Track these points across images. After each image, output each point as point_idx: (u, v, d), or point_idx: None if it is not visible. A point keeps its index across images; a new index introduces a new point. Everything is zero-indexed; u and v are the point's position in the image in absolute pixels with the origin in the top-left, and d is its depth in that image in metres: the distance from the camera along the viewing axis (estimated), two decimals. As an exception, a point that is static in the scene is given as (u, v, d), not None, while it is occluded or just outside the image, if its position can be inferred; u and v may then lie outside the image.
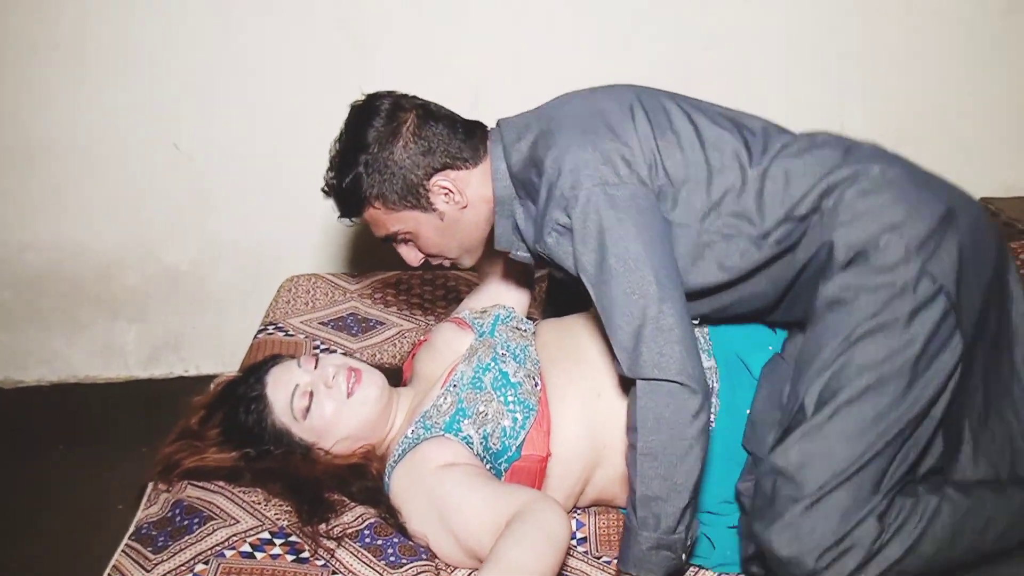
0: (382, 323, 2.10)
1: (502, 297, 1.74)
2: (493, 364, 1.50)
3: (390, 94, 1.50)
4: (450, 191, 1.46)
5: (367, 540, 1.38)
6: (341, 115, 2.42)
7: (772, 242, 1.37)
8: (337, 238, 2.60)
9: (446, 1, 2.39)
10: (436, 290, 2.25)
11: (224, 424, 1.49)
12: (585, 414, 1.45)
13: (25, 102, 2.40)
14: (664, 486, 1.28)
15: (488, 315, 1.64)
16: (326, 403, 1.46)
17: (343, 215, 1.51)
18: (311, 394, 1.46)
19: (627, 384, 1.36)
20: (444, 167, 1.45)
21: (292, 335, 2.01)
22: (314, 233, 2.58)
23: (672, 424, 1.27)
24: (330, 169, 1.49)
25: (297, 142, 2.47)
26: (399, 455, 1.44)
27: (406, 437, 1.45)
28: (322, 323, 2.09)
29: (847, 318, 1.30)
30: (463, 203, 1.47)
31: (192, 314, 2.67)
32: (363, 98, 1.51)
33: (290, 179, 2.51)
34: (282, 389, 1.47)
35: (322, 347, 1.96)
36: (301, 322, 2.07)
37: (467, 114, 2.46)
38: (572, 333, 1.57)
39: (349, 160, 1.45)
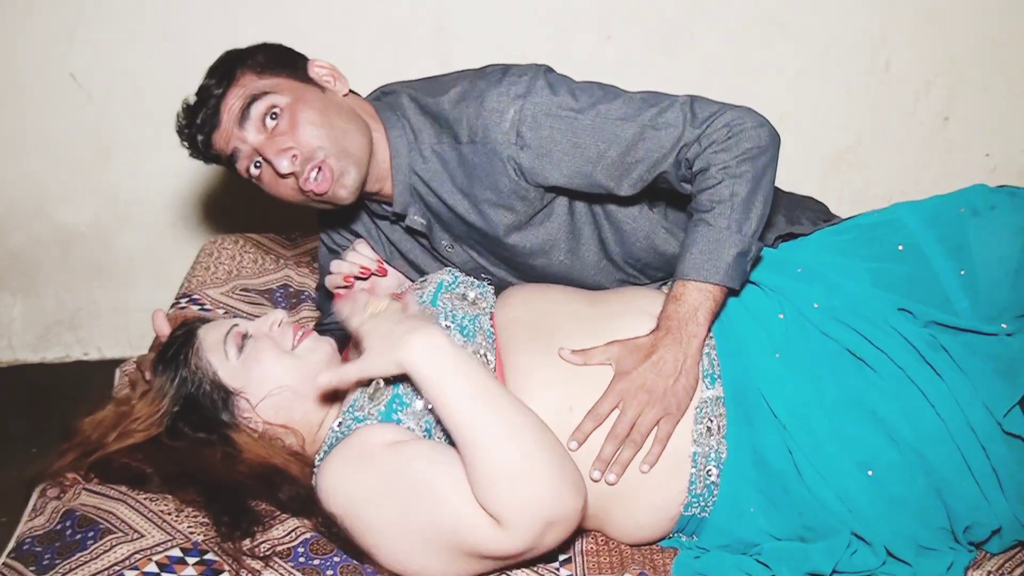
0: (315, 298, 2.10)
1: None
2: None
3: None
4: (329, 70, 1.64)
5: (301, 560, 1.39)
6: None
7: None
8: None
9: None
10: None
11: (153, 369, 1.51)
12: (553, 427, 1.41)
13: None
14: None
15: (430, 283, 1.66)
16: (265, 345, 1.48)
17: (213, 88, 1.62)
18: (246, 334, 1.49)
19: None
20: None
21: (209, 309, 2.02)
22: (242, 188, 2.54)
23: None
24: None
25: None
26: (326, 451, 1.44)
27: (333, 431, 1.46)
28: (244, 290, 2.10)
29: None
30: (344, 90, 1.65)
31: (92, 285, 2.67)
32: None
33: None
34: (216, 329, 1.51)
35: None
36: (221, 293, 2.08)
37: (429, 45, 2.45)
38: (548, 308, 1.57)
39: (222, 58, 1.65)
